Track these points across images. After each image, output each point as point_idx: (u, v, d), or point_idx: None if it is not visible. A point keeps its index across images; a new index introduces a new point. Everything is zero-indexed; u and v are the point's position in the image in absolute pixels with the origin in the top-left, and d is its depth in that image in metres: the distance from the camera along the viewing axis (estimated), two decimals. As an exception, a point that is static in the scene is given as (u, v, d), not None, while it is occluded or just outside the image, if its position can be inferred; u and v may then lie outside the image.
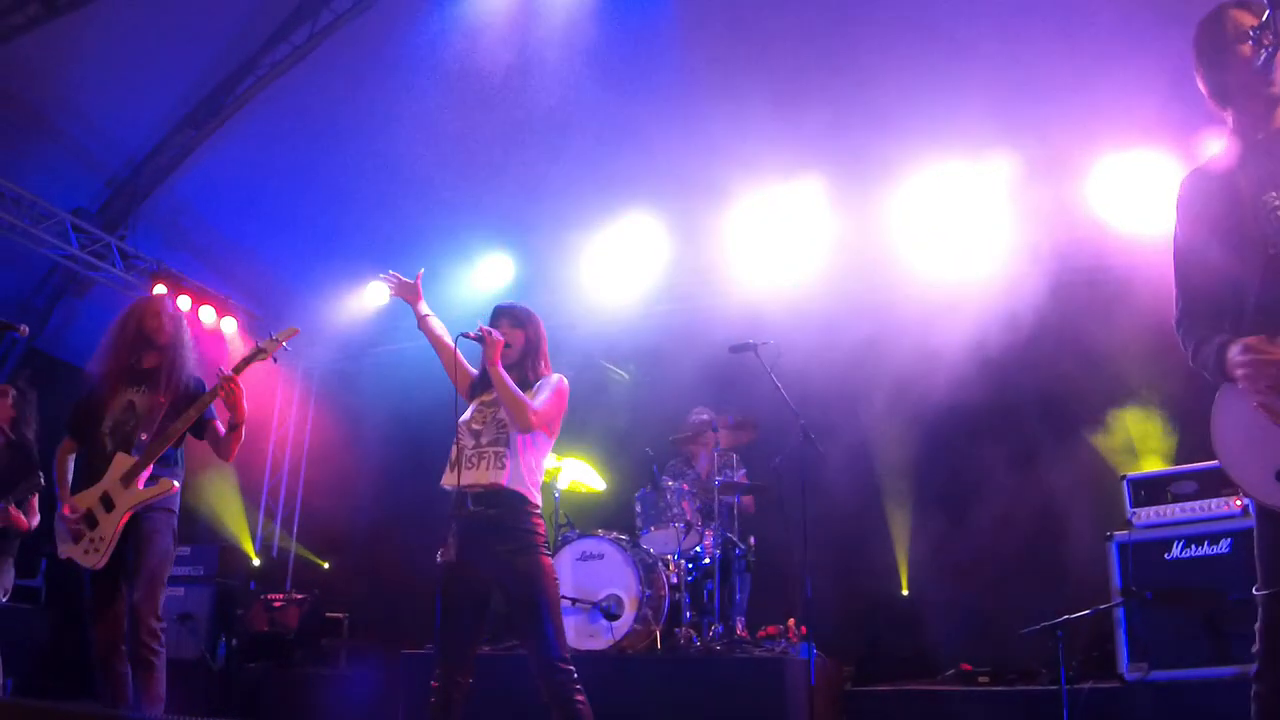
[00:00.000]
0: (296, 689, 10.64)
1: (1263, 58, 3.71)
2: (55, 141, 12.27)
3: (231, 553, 13.28)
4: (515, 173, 12.22)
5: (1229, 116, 3.97)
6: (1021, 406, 10.62)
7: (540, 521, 5.66)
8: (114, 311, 13.23)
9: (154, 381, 6.51)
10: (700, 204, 12.19)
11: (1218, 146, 4.00)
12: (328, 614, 11.98)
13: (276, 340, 6.51)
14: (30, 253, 12.33)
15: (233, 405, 6.34)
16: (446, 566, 5.60)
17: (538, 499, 5.73)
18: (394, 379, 13.67)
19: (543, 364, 6.04)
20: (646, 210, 12.45)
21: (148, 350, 6.63)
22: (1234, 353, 3.59)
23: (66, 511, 6.32)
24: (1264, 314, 3.65)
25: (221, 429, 6.57)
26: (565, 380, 5.95)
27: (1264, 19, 3.65)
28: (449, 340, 6.04)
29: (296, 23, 12.17)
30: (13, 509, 8.18)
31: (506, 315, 6.06)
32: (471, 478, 5.58)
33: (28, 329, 7.64)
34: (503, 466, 5.56)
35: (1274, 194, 3.69)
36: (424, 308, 6.39)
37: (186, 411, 6.34)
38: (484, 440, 5.67)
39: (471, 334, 5.79)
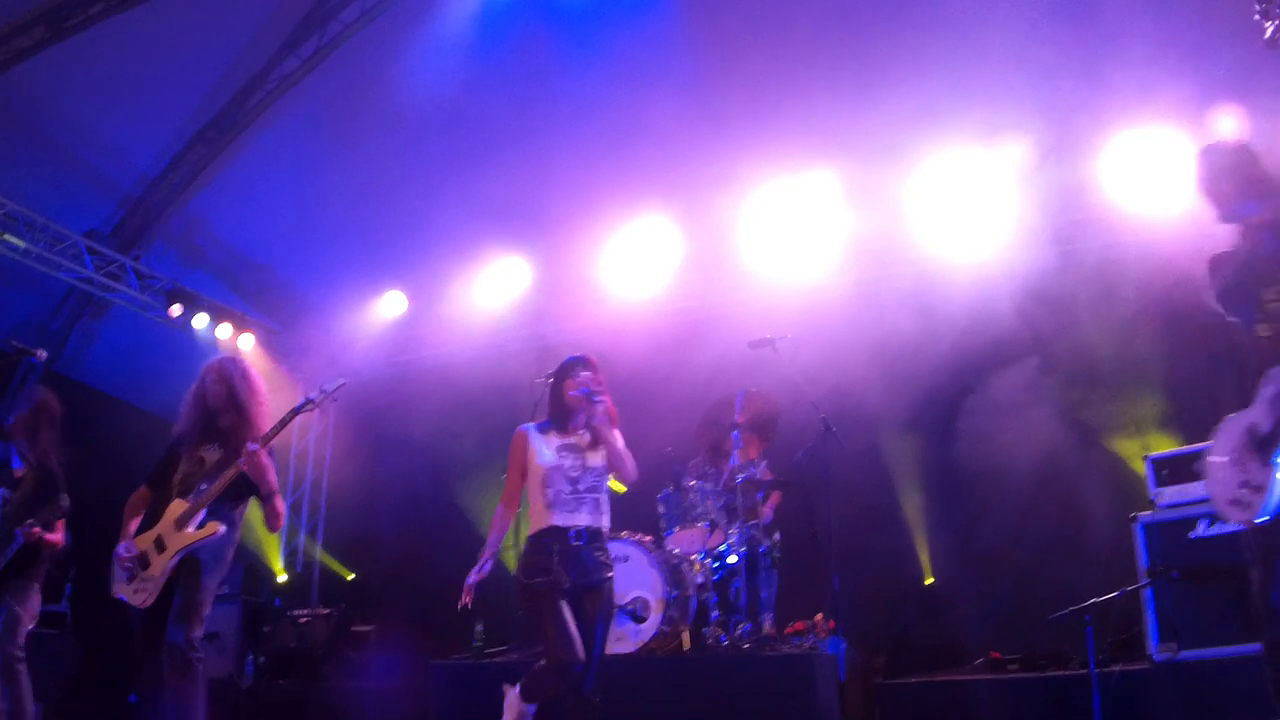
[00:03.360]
0: (326, 704, 10.63)
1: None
2: (66, 164, 12.30)
3: (257, 570, 13.29)
4: (529, 174, 12.19)
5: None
6: (1040, 391, 10.55)
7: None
8: (131, 332, 13.42)
9: (226, 440, 6.70)
10: (714, 199, 12.15)
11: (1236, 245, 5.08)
12: (355, 627, 11.96)
13: (325, 393, 6.78)
14: (46, 276, 12.36)
15: (256, 478, 6.49)
16: (554, 587, 5.99)
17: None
18: (413, 389, 13.67)
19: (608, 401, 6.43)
20: (661, 207, 12.43)
21: (220, 412, 6.79)
22: None
23: (121, 551, 6.54)
24: (1245, 393, 4.88)
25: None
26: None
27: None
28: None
29: (304, 35, 12.18)
30: (37, 529, 8.18)
31: (590, 367, 6.48)
32: (573, 520, 6.14)
33: (45, 353, 7.69)
34: (603, 511, 6.29)
35: (1265, 290, 4.86)
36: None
37: (226, 473, 6.49)
38: (582, 487, 6.21)
39: (594, 399, 6.25)
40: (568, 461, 6.24)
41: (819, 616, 9.35)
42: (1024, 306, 10.24)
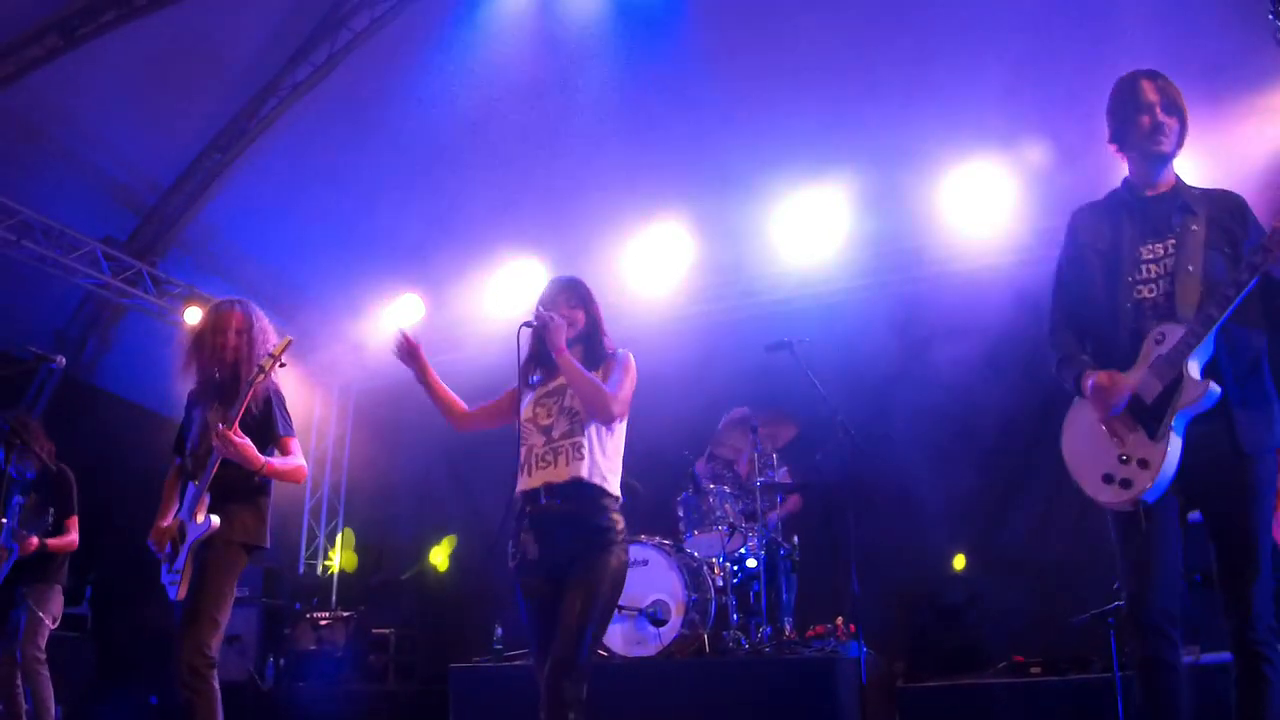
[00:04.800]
0: (346, 707, 10.65)
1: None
2: (82, 172, 12.33)
3: (277, 573, 13.30)
4: (543, 179, 12.21)
5: (1126, 163, 4.74)
6: (1062, 394, 10.53)
7: (619, 517, 5.15)
8: (148, 337, 13.42)
9: (225, 399, 6.18)
10: (730, 203, 12.15)
11: (1114, 191, 4.80)
12: (374, 630, 11.97)
13: (273, 357, 6.11)
14: (63, 282, 12.40)
15: (239, 461, 5.95)
16: (524, 567, 5.14)
17: (617, 489, 5.24)
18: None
19: (605, 341, 5.53)
20: (677, 211, 12.42)
21: (218, 365, 6.29)
22: (1089, 382, 4.53)
23: (152, 538, 6.18)
24: (1119, 350, 4.51)
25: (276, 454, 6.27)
26: (632, 356, 5.46)
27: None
28: (459, 402, 5.80)
29: (316, 43, 12.21)
30: (34, 540, 8.22)
31: (564, 292, 5.55)
32: (547, 475, 5.13)
33: (64, 359, 7.68)
34: (581, 457, 5.11)
35: (1146, 250, 4.53)
36: (426, 373, 5.85)
37: (206, 459, 6.01)
38: (556, 434, 5.21)
39: (534, 323, 5.33)
40: (542, 410, 5.32)
41: (839, 620, 9.35)
42: (1045, 310, 10.23)
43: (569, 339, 5.30)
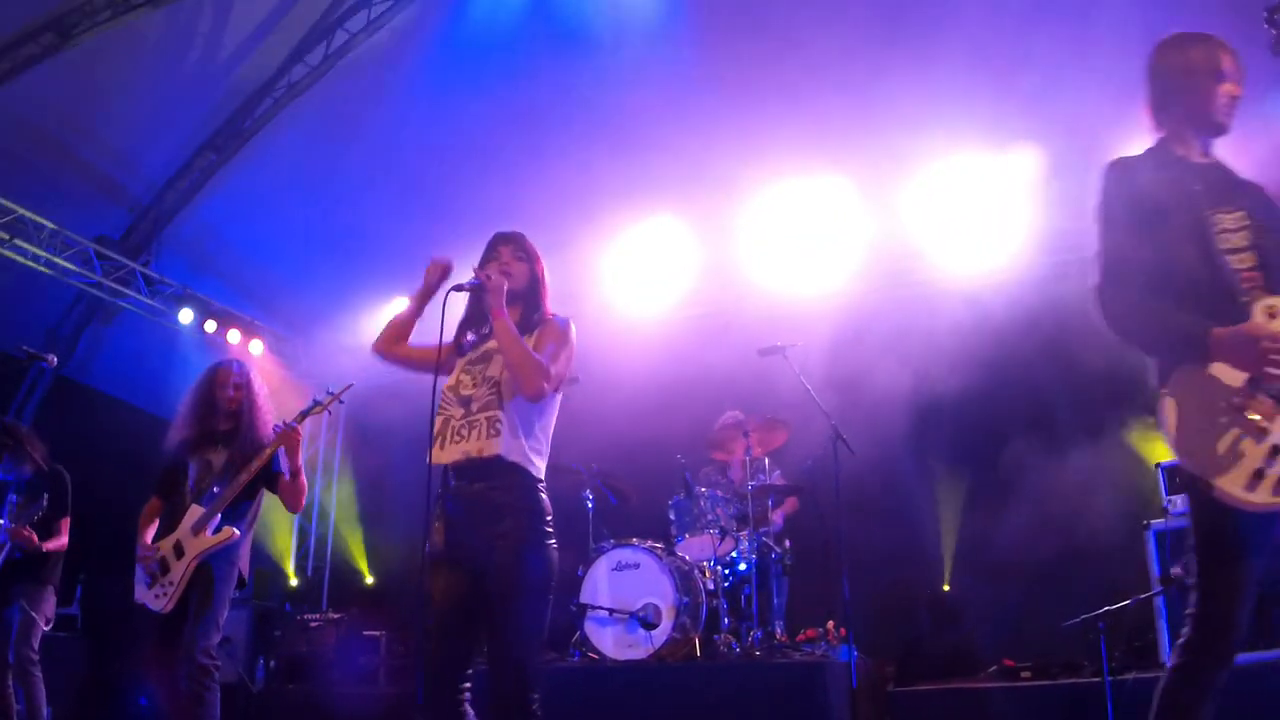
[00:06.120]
0: (337, 709, 10.61)
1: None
2: (75, 170, 12.32)
3: (267, 575, 13.28)
4: (536, 180, 12.19)
5: (1179, 128, 4.31)
6: (1052, 398, 10.55)
7: (543, 498, 4.69)
8: (141, 337, 13.40)
9: (230, 442, 6.87)
10: (722, 206, 12.15)
11: (1155, 150, 4.32)
12: (365, 632, 11.94)
13: (333, 395, 7.08)
14: (55, 281, 12.37)
15: (291, 454, 6.80)
16: (432, 562, 4.66)
17: (539, 471, 4.75)
18: (423, 396, 13.66)
19: (545, 305, 5.08)
20: (669, 214, 12.44)
21: (222, 415, 6.97)
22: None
23: (141, 555, 6.67)
24: (1217, 317, 3.80)
25: (287, 478, 6.95)
26: (572, 325, 5.01)
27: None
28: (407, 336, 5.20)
29: (312, 44, 12.21)
30: (25, 531, 8.21)
31: (509, 243, 5.11)
32: (460, 450, 4.64)
33: (55, 358, 7.74)
34: (497, 434, 4.59)
35: (1222, 215, 4.01)
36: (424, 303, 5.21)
37: (250, 464, 6.68)
38: (475, 407, 4.71)
39: (466, 284, 4.89)
40: (467, 378, 4.83)
41: (830, 624, 9.36)
42: (1036, 314, 10.23)
43: (508, 291, 4.86)
